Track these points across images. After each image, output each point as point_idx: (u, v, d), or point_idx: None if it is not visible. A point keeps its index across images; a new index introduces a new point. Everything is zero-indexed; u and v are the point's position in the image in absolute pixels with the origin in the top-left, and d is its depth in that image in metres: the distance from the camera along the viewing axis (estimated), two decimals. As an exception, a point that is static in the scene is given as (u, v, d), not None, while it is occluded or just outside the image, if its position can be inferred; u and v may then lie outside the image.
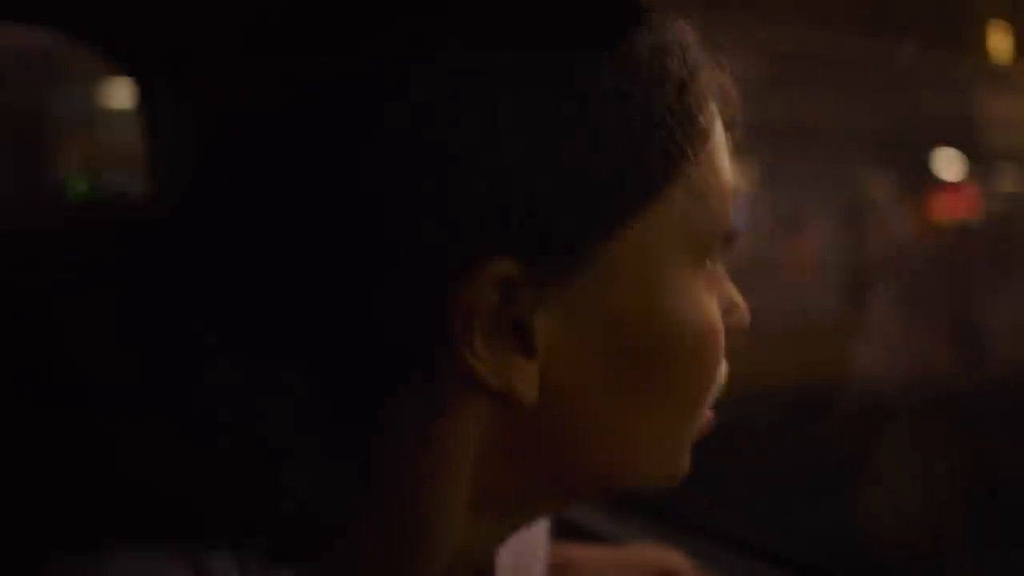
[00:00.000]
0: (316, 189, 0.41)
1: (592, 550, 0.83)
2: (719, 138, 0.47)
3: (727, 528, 1.15)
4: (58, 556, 0.38)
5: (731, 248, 0.49)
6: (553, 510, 0.52)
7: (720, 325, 0.47)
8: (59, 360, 0.38)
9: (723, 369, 0.49)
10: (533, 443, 0.45)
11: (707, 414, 0.50)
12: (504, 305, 0.42)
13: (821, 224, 8.01)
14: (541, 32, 0.42)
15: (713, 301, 0.48)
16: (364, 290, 0.41)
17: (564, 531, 0.80)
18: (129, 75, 0.79)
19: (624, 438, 0.46)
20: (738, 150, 0.48)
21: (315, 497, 0.41)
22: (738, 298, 0.50)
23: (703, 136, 0.45)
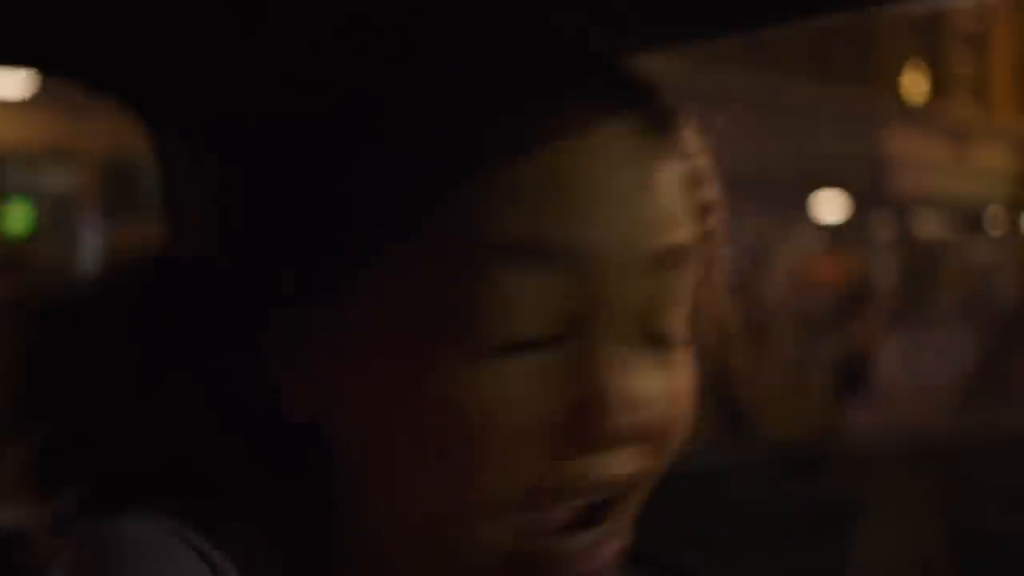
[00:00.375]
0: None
1: None
2: (494, 191, 0.40)
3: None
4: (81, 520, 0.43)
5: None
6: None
7: (501, 418, 0.40)
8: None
9: (536, 471, 0.41)
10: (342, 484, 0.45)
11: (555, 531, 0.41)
12: (288, 332, 0.43)
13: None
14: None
15: (513, 387, 0.40)
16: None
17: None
18: (144, 122, 0.83)
19: (386, 504, 0.43)
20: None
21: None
22: (608, 392, 0.41)
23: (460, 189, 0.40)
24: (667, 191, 0.42)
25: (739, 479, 4.64)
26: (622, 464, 0.41)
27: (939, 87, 13.10)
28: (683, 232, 0.42)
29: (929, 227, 11.92)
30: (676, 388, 0.43)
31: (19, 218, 7.51)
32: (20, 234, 7.47)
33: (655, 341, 0.42)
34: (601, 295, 0.40)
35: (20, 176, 7.68)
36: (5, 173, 7.80)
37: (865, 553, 3.94)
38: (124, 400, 0.45)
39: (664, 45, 0.71)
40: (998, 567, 3.77)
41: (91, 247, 7.04)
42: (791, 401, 6.35)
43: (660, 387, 0.42)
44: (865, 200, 10.39)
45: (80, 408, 0.46)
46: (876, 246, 10.21)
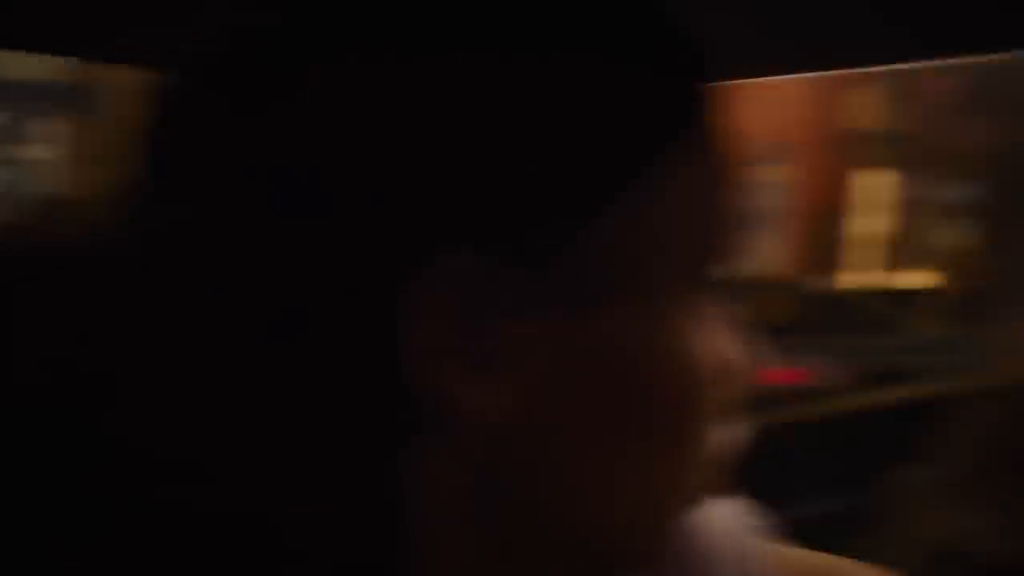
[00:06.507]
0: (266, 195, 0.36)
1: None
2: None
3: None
4: None
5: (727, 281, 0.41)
6: None
7: (705, 372, 0.39)
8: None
9: (713, 434, 0.41)
10: (508, 498, 0.38)
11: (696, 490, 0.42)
12: (468, 311, 0.35)
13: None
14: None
15: (705, 341, 0.39)
16: (311, 305, 0.36)
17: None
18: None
19: (598, 490, 0.39)
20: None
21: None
22: (733, 351, 0.41)
23: (702, 124, 0.40)
24: None
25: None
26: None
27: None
28: None
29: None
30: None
31: None
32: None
33: None
34: (723, 237, 0.41)
35: None
36: None
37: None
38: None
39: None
40: None
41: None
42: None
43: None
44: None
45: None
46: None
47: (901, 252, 9.14)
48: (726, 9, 0.57)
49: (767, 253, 8.99)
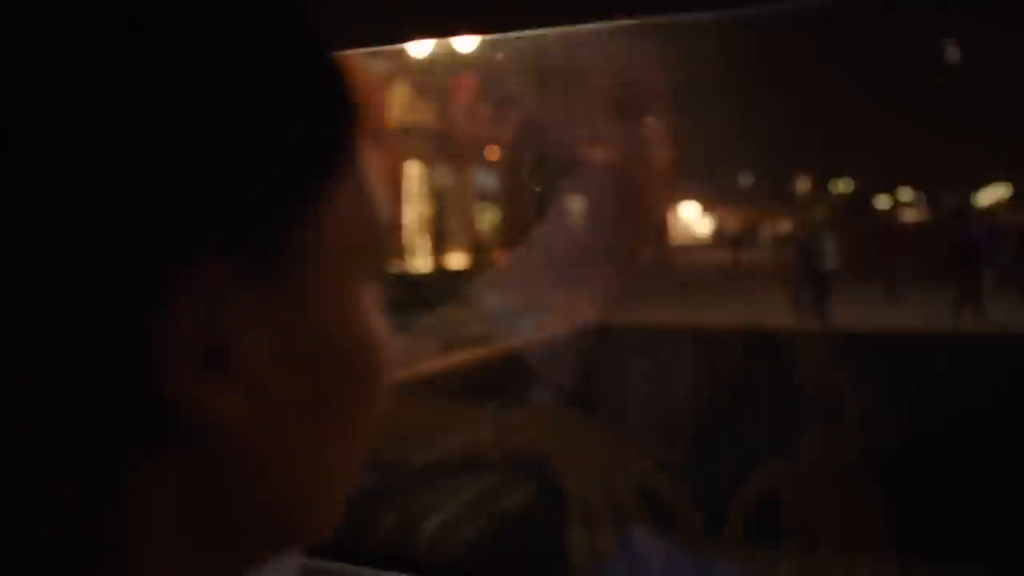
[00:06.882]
0: None
1: None
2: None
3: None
4: None
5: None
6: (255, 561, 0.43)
7: (384, 346, 0.43)
8: None
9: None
10: (233, 491, 0.39)
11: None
12: (211, 316, 0.36)
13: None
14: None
15: (377, 321, 0.43)
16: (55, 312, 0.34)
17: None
18: None
19: (314, 472, 0.41)
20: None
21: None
22: (383, 325, 0.45)
23: (355, 133, 0.42)
24: None
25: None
26: None
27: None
28: None
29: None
30: None
31: None
32: None
33: None
34: (385, 227, 0.44)
35: None
36: None
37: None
38: None
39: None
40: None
41: None
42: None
43: None
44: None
45: None
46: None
47: (447, 235, 9.93)
48: None
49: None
